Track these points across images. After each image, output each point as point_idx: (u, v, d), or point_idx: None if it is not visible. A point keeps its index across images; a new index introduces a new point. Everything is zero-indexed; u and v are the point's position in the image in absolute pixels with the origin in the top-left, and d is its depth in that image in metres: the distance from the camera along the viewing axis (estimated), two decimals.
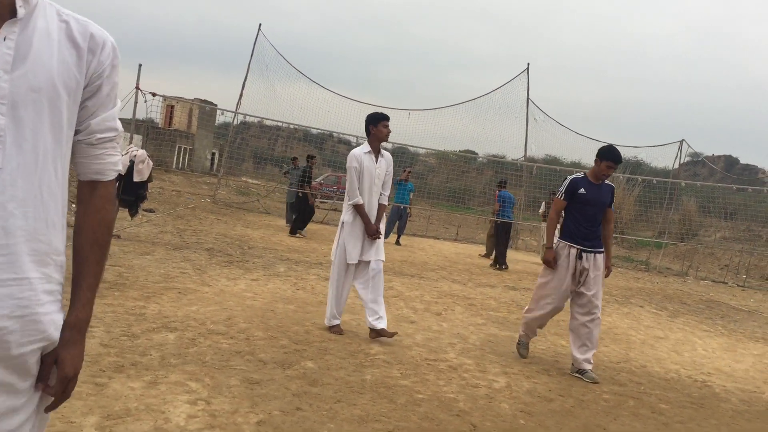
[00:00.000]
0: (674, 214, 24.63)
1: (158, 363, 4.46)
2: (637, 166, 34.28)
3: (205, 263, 8.99)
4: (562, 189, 5.97)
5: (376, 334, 5.93)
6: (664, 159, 25.26)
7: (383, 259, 6.10)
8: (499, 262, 14.14)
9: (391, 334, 5.93)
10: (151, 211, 14.95)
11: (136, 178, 9.99)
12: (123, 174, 10.01)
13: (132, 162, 10.02)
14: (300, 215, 15.36)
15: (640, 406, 5.11)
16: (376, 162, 6.03)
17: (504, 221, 14.88)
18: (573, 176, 5.99)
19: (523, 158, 22.40)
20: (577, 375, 5.73)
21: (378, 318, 5.94)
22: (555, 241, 5.99)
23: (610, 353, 6.87)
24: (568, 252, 5.81)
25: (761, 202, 26.33)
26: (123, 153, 10.39)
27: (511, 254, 17.96)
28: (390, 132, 6.10)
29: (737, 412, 5.32)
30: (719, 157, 70.94)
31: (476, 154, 31.40)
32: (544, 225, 16.59)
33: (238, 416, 3.71)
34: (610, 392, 5.40)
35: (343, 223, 6.05)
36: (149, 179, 10.32)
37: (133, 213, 10.47)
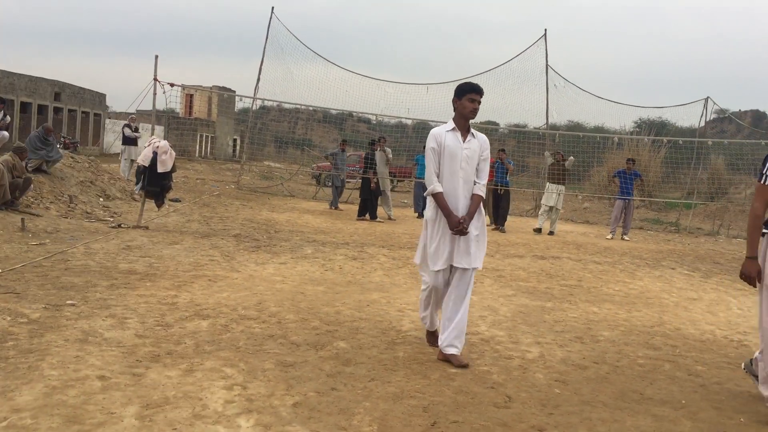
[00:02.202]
0: (702, 173, 24.26)
1: (193, 351, 4.52)
2: (662, 127, 33.77)
3: (233, 249, 9.06)
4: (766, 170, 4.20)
5: (444, 357, 4.77)
6: (690, 118, 24.90)
7: (480, 266, 4.88)
8: (497, 224, 15.47)
9: (462, 364, 4.69)
10: (177, 200, 15.09)
11: (159, 169, 10.09)
12: (147, 165, 10.12)
13: (155, 153, 10.10)
14: (371, 201, 15.70)
15: (676, 369, 5.07)
16: (464, 142, 4.84)
17: (494, 187, 15.63)
18: None
19: (545, 126, 22.15)
20: None
21: (451, 344, 4.76)
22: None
23: (643, 318, 6.82)
24: None
25: None
26: (146, 145, 10.49)
27: (535, 221, 17.79)
28: (477, 108, 4.86)
29: None
30: (746, 112, 69.53)
31: (497, 124, 31.16)
32: (550, 186, 15.75)
33: (274, 399, 3.76)
34: (645, 357, 5.37)
35: (426, 221, 4.92)
36: (173, 169, 10.42)
37: (159, 203, 10.58)
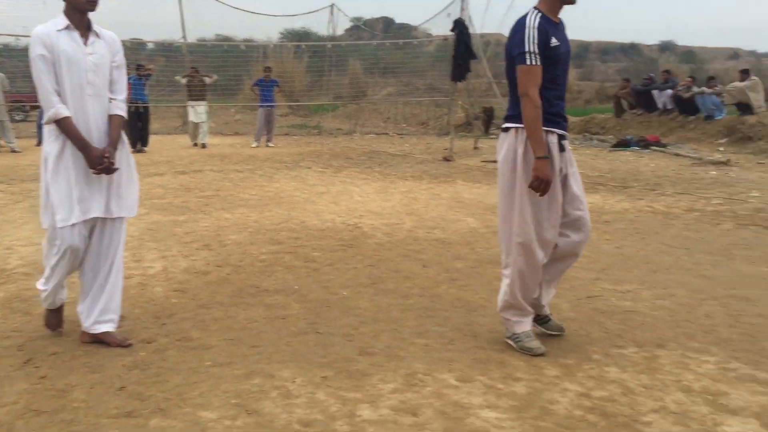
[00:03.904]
0: (343, 78, 25.82)
1: None
2: (305, 36, 34.95)
3: None
4: (530, 47, 3.29)
5: (89, 337, 3.59)
6: (322, 26, 26.01)
7: (135, 211, 3.73)
8: (141, 144, 14.82)
9: (125, 343, 3.57)
10: None
11: None
12: None
13: None
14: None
15: (295, 259, 5.37)
16: (86, 45, 3.49)
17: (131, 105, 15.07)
18: (532, 18, 3.35)
19: (182, 39, 21.39)
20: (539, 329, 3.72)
21: (103, 318, 3.57)
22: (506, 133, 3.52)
23: (273, 216, 7.09)
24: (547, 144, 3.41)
25: (418, 57, 28.65)
26: None
27: (184, 138, 17.33)
28: None
29: (380, 244, 5.88)
30: (378, 19, 75.09)
31: (143, 41, 29.31)
32: (191, 103, 15.78)
33: None
34: (268, 252, 5.59)
35: (46, 159, 3.47)
36: None
37: None
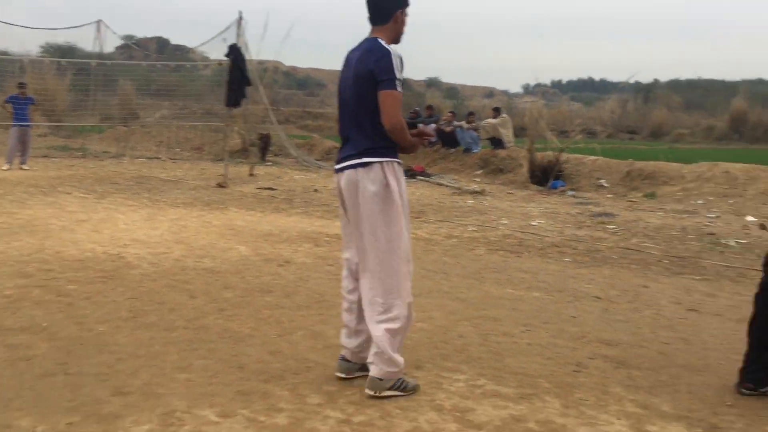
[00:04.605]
0: (112, 98, 24.40)
1: None
2: (70, 51, 32.51)
3: None
4: (399, 74, 3.29)
5: None
6: (89, 42, 24.41)
7: None
8: None
9: None
10: None
11: None
12: None
13: None
14: None
15: (46, 293, 4.92)
16: None
17: None
18: (391, 46, 3.33)
19: None
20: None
21: None
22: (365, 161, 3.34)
23: (23, 247, 6.44)
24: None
25: (194, 80, 27.91)
26: None
27: None
28: None
29: (144, 274, 5.59)
30: (152, 38, 72.16)
31: None
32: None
33: None
34: (14, 287, 5.06)
35: None
36: None
37: None
